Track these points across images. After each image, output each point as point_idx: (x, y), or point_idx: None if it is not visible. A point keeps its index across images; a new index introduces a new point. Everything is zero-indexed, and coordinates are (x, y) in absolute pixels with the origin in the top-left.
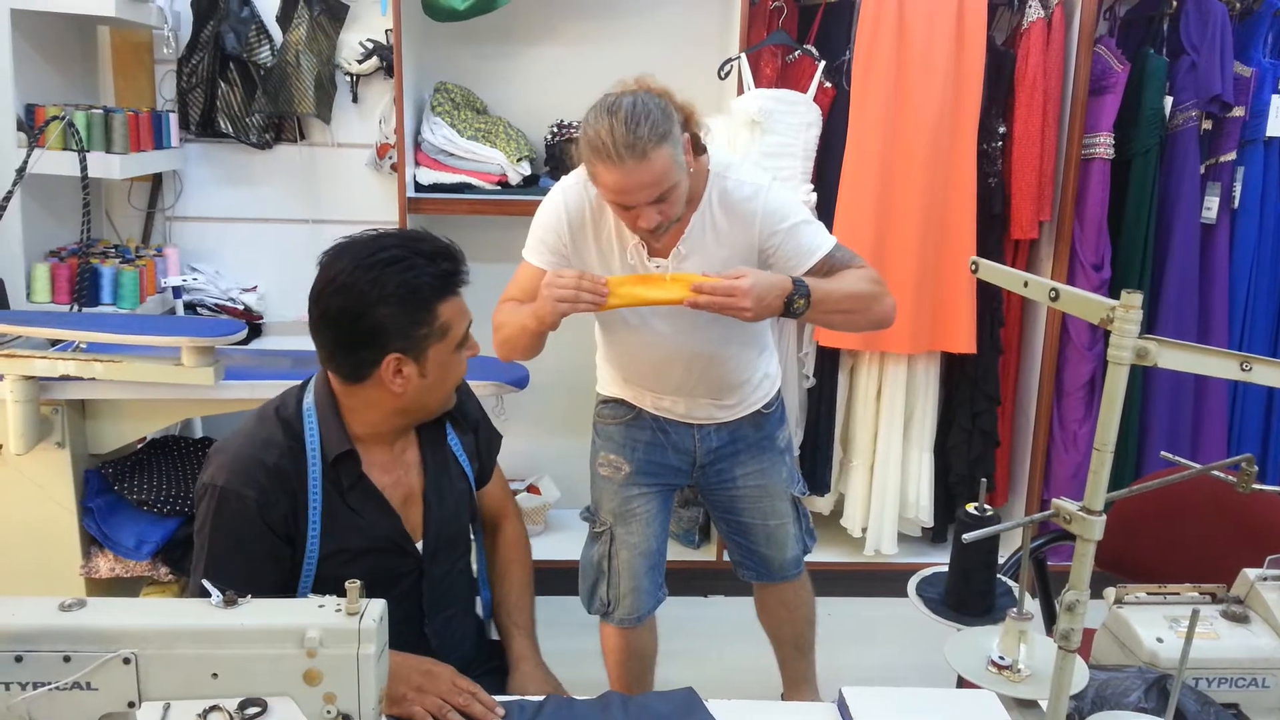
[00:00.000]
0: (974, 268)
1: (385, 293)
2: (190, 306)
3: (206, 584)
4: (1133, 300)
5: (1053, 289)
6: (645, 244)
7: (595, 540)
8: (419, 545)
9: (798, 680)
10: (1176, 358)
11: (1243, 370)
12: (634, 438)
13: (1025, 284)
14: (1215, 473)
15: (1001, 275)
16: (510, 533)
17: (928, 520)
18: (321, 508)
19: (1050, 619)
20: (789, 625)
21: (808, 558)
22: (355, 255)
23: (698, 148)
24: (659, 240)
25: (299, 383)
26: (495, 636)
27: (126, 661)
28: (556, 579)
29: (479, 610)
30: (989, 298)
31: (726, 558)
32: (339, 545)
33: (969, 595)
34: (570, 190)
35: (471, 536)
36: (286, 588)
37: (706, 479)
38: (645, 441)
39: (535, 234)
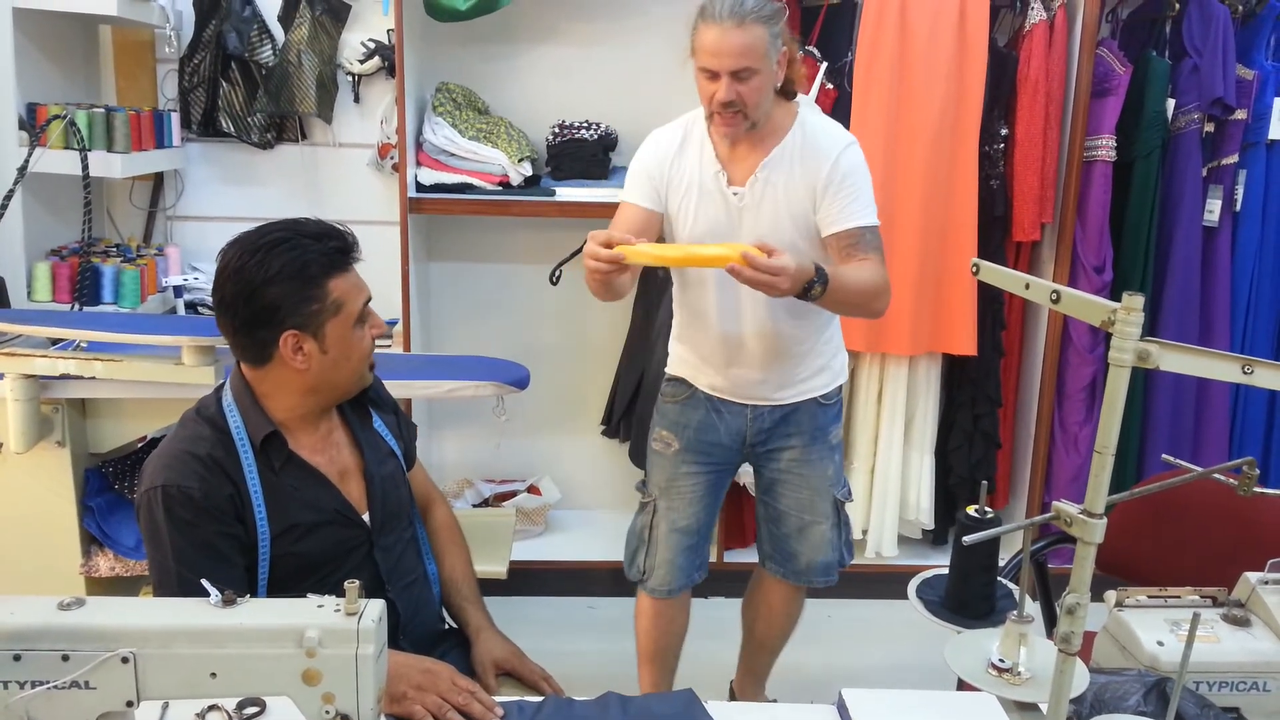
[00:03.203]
0: (975, 269)
1: (272, 272)
2: (191, 306)
3: (205, 584)
4: (1134, 302)
5: (1054, 291)
6: (725, 170)
7: (641, 510)
8: (365, 517)
9: (754, 674)
10: (1178, 360)
11: (1244, 373)
12: (687, 417)
13: (1027, 286)
14: (1217, 476)
15: (1002, 277)
16: (441, 516)
17: (928, 523)
18: (261, 490)
19: (1050, 622)
20: (764, 624)
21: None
22: (243, 243)
23: (787, 91)
24: (729, 125)
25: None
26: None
27: (125, 661)
28: (558, 580)
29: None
30: (990, 300)
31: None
32: (288, 523)
33: (969, 598)
34: (661, 131)
35: (414, 513)
36: (254, 569)
37: (755, 455)
38: (698, 421)
39: (632, 169)
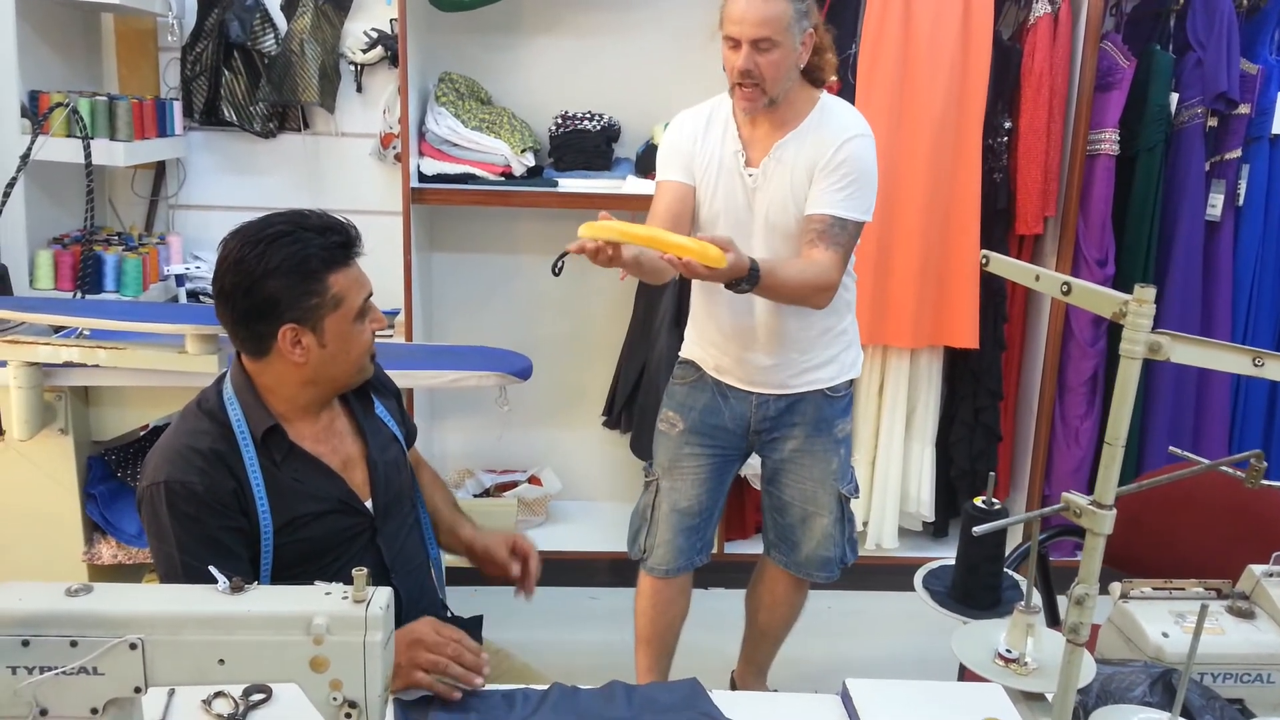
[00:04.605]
0: (985, 261)
1: (272, 265)
2: (193, 295)
3: (213, 570)
4: (1146, 294)
5: (1065, 283)
6: (745, 150)
7: (645, 490)
8: (368, 505)
9: (755, 664)
10: (1189, 353)
11: (1255, 365)
12: (694, 399)
13: (1037, 278)
14: (1225, 468)
15: (1013, 269)
16: (426, 475)
17: (929, 515)
18: (264, 483)
19: (1050, 613)
20: (767, 614)
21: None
22: (245, 234)
23: (814, 78)
24: (747, 100)
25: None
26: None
27: (133, 647)
28: (559, 571)
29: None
30: (992, 293)
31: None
32: (291, 515)
33: (975, 588)
34: (686, 112)
35: (417, 496)
36: (258, 560)
37: (760, 444)
38: (703, 404)
39: (662, 150)
